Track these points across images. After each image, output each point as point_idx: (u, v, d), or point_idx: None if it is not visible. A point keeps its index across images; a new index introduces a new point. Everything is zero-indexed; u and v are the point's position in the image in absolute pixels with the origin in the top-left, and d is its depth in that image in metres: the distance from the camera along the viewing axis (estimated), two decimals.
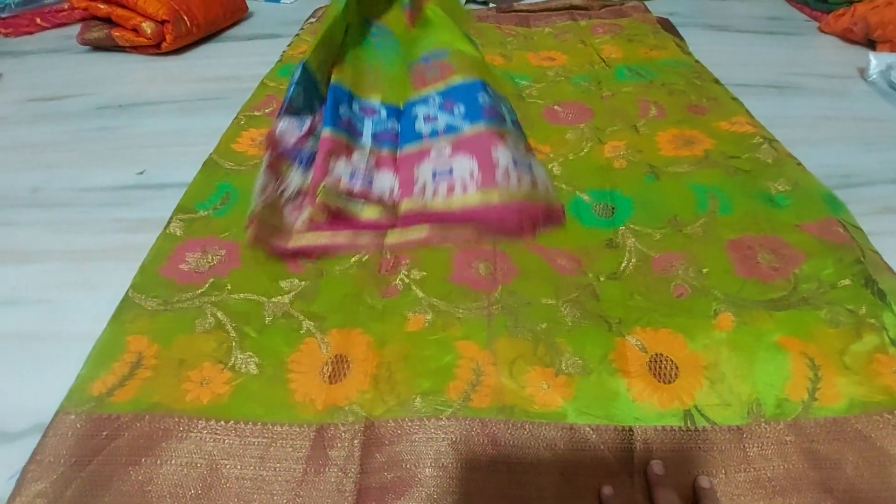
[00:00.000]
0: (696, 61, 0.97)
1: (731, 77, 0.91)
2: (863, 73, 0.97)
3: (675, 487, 0.39)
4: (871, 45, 1.06)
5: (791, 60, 1.05)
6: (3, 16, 1.16)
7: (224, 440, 0.42)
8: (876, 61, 0.94)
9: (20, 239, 0.63)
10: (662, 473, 0.40)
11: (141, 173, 0.73)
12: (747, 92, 0.87)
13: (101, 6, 1.02)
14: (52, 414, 0.44)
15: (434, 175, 0.46)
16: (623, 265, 0.56)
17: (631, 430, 0.42)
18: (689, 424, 0.42)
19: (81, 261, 0.60)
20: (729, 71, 0.93)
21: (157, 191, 0.70)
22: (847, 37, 1.11)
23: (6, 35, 1.16)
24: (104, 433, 0.41)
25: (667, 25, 1.13)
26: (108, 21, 1.04)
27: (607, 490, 0.39)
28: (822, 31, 1.17)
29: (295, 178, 0.46)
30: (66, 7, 1.20)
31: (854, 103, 0.90)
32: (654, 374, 0.46)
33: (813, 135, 0.80)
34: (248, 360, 0.47)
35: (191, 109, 0.89)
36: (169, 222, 0.60)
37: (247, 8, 1.25)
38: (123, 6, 1.00)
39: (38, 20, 1.20)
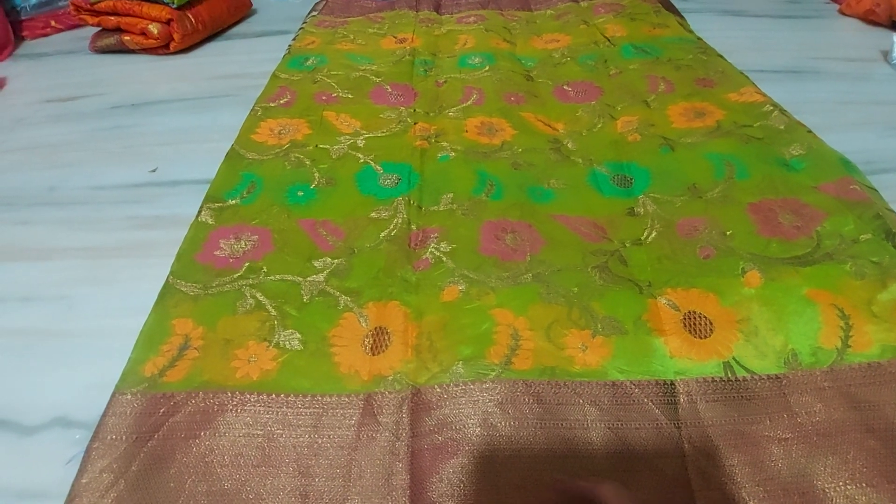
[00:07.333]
0: (699, 38, 0.98)
1: (748, 63, 0.88)
2: (886, 55, 0.93)
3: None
4: (895, 26, 1.03)
5: (810, 44, 1.02)
6: (21, 18, 1.17)
7: (277, 412, 0.43)
8: None
9: (36, 237, 0.64)
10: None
11: (153, 171, 0.74)
12: (764, 78, 0.83)
13: (111, 18, 1.04)
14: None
15: None
16: (646, 232, 0.58)
17: (673, 383, 0.43)
18: (729, 375, 0.44)
19: (96, 258, 0.60)
20: (745, 57, 0.90)
21: (169, 188, 0.71)
22: (869, 18, 1.07)
23: (23, 38, 1.18)
24: (161, 410, 0.42)
25: (667, 4, 1.13)
26: (117, 29, 1.06)
27: None
28: (842, 13, 1.13)
29: None
30: None
31: (877, 87, 0.87)
32: (690, 331, 0.47)
33: (834, 120, 0.76)
34: (292, 336, 0.48)
35: (201, 107, 0.90)
36: (200, 212, 0.61)
37: (251, 4, 1.26)
38: (130, 15, 1.03)
39: (53, 23, 1.21)
